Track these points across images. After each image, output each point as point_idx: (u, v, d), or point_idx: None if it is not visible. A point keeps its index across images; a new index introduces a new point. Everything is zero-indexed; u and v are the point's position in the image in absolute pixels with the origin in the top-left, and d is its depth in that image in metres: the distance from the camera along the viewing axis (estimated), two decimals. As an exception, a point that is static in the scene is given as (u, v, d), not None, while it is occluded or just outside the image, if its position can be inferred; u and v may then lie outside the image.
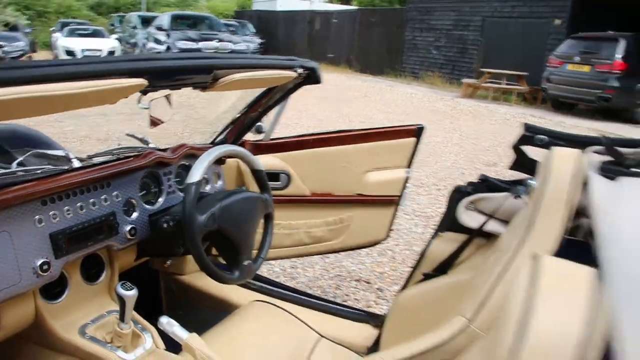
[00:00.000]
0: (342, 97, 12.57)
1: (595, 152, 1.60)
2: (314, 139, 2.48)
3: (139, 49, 19.80)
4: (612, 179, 1.40)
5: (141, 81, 1.39)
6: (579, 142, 1.66)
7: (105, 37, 20.31)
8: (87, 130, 7.22)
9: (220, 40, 17.97)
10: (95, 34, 20.15)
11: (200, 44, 17.13)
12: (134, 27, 21.42)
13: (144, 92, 1.56)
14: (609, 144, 1.56)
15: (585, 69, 12.00)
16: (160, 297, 2.38)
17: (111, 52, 18.78)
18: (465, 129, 9.43)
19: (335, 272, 3.56)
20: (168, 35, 17.75)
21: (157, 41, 18.19)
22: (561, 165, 1.40)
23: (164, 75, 1.53)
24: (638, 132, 10.62)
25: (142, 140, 2.16)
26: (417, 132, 2.47)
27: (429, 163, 6.75)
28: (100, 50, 18.48)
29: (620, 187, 1.32)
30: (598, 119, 11.71)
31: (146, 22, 20.77)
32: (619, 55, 11.43)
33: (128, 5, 33.37)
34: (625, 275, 0.82)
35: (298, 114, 9.37)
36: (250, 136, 2.49)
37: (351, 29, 20.80)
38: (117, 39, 20.93)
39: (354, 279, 3.49)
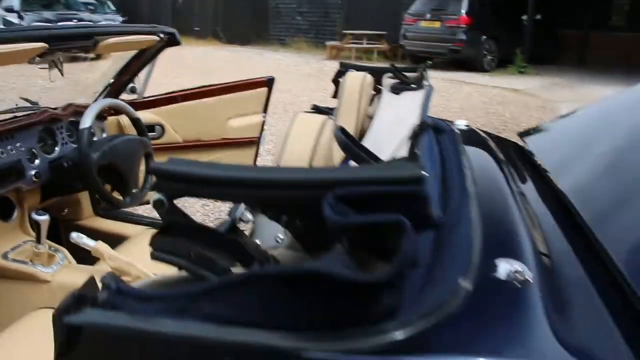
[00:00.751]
0: (210, 68, 12.78)
1: (390, 77, 2.14)
2: (182, 94, 2.90)
3: (-12, 32, 18.62)
4: (397, 93, 1.94)
5: (42, 45, 1.78)
6: (378, 71, 2.20)
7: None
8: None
9: (81, 20, 17.38)
10: None
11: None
12: (-23, 9, 20.06)
13: (41, 55, 1.93)
14: (395, 71, 2.11)
15: (436, 24, 13.02)
16: (62, 242, 2.73)
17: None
18: (330, 88, 10.00)
19: (214, 216, 4.00)
20: (21, 17, 16.93)
21: (9, 23, 17.28)
22: (351, 84, 1.92)
23: (59, 40, 1.92)
24: (484, 78, 11.77)
25: (34, 102, 2.49)
26: (267, 82, 2.96)
27: (297, 120, 7.28)
28: None
29: (399, 97, 1.86)
30: (451, 69, 12.76)
31: (-10, 3, 19.49)
32: (463, 11, 12.53)
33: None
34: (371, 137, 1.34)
35: (167, 88, 9.55)
36: (125, 97, 2.86)
37: (215, 1, 20.83)
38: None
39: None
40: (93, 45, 2.12)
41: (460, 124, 1.90)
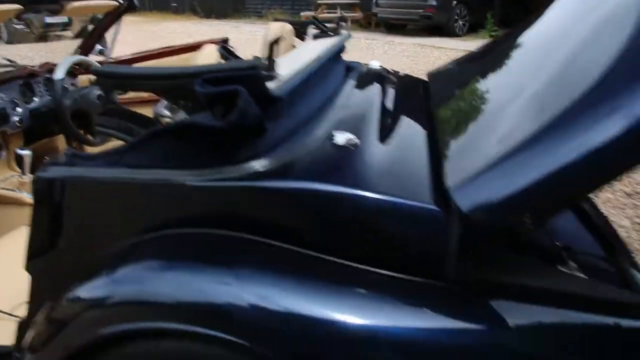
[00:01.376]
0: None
1: (313, 28, 2.52)
2: (147, 54, 3.26)
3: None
4: (317, 39, 2.32)
5: (18, 6, 2.14)
6: (303, 24, 2.58)
7: None
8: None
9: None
10: None
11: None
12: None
13: (18, 17, 2.29)
14: (317, 22, 2.49)
15: (407, -9, 13.30)
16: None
17: None
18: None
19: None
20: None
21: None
22: (271, 31, 2.30)
23: (31, 3, 2.28)
24: (455, 42, 12.09)
25: (12, 61, 2.85)
26: (223, 42, 3.33)
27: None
28: None
29: (317, 42, 2.25)
30: (424, 35, 13.07)
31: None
32: (434, -23, 12.80)
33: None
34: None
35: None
36: (95, 58, 3.22)
37: (191, -25, 20.88)
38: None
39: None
40: (60, 8, 2.48)
41: (375, 64, 2.31)
